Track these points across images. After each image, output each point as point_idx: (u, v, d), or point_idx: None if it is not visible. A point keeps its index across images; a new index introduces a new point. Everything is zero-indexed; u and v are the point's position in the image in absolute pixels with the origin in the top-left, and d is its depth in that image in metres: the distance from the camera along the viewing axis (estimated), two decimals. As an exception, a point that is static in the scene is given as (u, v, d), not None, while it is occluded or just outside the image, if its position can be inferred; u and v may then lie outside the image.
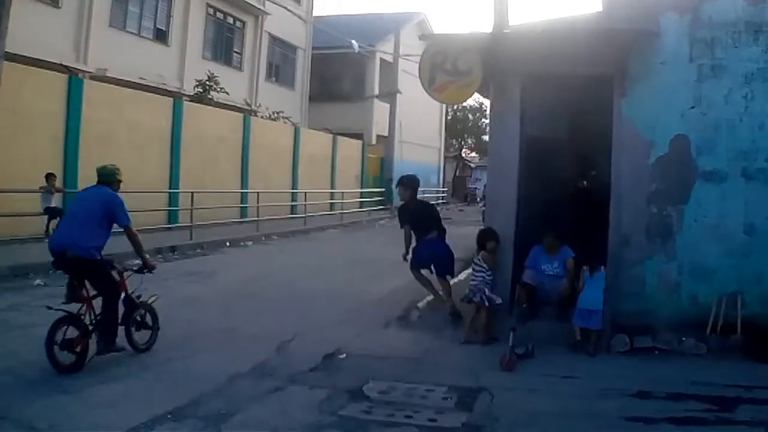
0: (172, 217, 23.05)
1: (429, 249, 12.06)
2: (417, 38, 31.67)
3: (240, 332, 10.44)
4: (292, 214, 29.36)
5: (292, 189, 32.13)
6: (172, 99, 24.75)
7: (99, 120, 20.10)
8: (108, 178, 9.01)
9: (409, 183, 12.34)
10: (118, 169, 9.14)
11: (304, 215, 29.26)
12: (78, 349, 8.14)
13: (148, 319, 9.38)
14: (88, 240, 8.41)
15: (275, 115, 34.83)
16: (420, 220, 12.11)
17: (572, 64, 10.19)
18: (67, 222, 8.87)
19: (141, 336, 9.18)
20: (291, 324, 10.90)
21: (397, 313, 11.90)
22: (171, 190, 23.35)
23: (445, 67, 10.39)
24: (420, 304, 12.60)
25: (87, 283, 8.62)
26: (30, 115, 18.07)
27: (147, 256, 9.32)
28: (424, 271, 12.22)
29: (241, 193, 27.37)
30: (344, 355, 9.27)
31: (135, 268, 9.23)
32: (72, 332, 8.19)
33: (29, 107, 18.00)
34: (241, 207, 26.71)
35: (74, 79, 19.91)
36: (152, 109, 23.03)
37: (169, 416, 6.71)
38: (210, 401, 7.22)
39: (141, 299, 9.28)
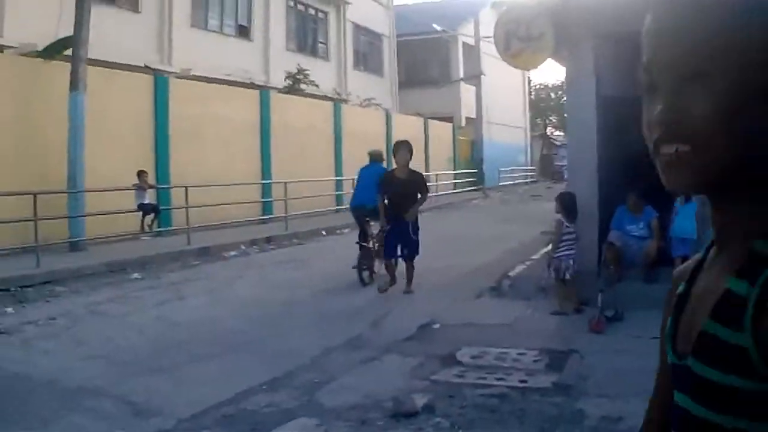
0: (266, 208, 23.35)
1: (399, 237, 12.17)
2: (494, 19, 30.30)
3: (334, 310, 10.73)
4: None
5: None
6: (258, 91, 25.06)
7: (187, 116, 20.45)
8: (378, 158, 14.11)
9: (410, 147, 12.33)
10: (382, 152, 14.80)
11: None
12: (370, 270, 12.79)
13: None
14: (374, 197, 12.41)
15: (366, 102, 35.16)
16: (408, 188, 12.06)
17: (642, 21, 10.05)
18: (362, 188, 13.16)
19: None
20: (385, 300, 11.27)
21: (488, 284, 12.04)
22: (264, 182, 23.58)
23: (519, 34, 10.42)
24: (511, 273, 12.75)
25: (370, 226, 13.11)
26: (119, 116, 18.50)
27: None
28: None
29: (335, 180, 27.57)
30: (438, 324, 9.48)
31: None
32: (367, 259, 12.76)
33: (117, 109, 18.42)
34: (336, 195, 26.98)
35: (160, 79, 20.38)
36: (239, 102, 23.36)
37: (263, 387, 6.95)
38: (304, 372, 7.45)
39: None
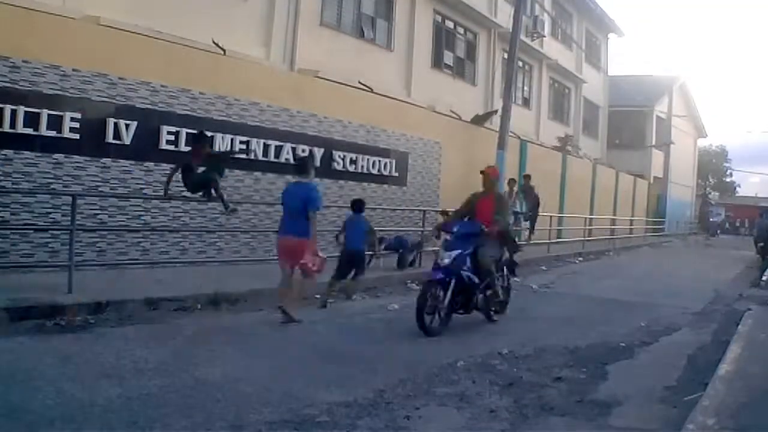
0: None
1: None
2: (680, 98, 39.59)
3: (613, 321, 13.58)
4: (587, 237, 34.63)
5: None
6: (519, 141, 31.27)
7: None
8: None
9: None
10: None
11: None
12: None
13: None
14: None
15: (594, 160, 44.06)
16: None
17: None
18: None
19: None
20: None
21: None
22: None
23: None
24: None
25: None
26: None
27: None
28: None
29: (559, 217, 33.22)
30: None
31: None
32: None
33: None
34: (558, 229, 32.24)
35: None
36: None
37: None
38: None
39: None
